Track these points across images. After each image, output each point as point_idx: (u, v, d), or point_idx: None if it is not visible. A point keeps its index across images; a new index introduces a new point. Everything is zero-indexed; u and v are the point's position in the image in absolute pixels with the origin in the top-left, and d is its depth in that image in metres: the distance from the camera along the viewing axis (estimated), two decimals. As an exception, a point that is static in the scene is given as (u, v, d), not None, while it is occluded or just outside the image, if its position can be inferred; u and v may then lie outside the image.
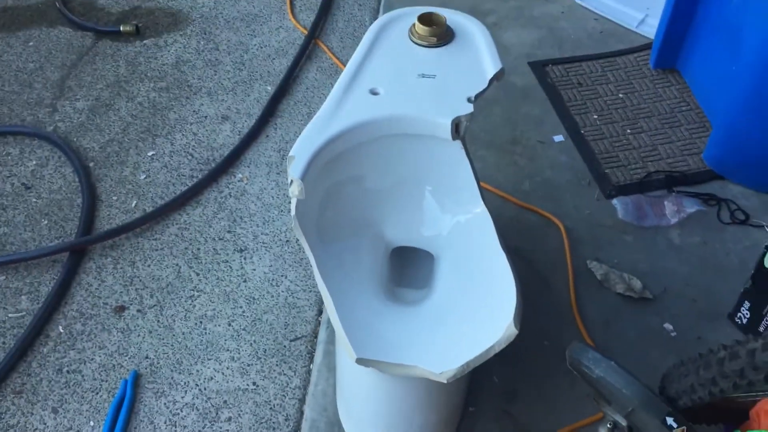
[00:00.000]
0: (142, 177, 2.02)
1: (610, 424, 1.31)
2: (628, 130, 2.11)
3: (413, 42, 1.41)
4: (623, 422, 1.28)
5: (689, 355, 1.23)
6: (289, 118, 2.17)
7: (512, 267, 1.24)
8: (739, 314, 1.65)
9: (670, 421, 1.17)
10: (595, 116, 2.15)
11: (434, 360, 1.18)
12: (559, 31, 2.44)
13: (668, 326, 1.68)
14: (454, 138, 1.28)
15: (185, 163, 2.06)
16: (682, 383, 1.20)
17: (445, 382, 1.16)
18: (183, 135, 2.13)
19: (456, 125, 1.27)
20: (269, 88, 2.26)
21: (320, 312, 1.72)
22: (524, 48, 2.37)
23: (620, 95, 2.22)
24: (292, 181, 1.19)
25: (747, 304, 1.62)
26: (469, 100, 1.30)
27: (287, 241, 1.85)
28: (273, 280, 1.78)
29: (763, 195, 1.93)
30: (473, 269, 1.33)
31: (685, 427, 1.17)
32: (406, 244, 1.43)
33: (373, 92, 1.31)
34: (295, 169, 1.19)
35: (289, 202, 1.93)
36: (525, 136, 2.09)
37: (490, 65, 1.35)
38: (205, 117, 2.19)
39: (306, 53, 2.37)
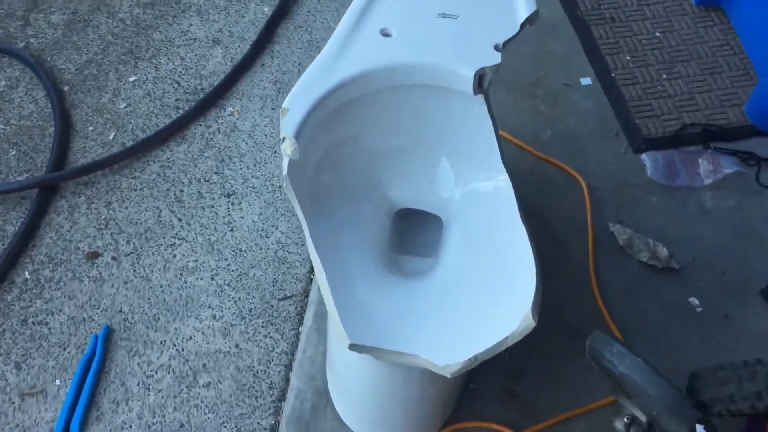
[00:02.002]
0: (122, 105, 1.82)
1: (627, 418, 1.18)
2: (664, 75, 1.89)
3: (431, -29, 1.19)
4: (643, 418, 1.15)
5: (730, 361, 1.08)
6: (288, 45, 1.95)
7: (533, 246, 1.07)
8: (774, 292, 1.50)
9: (699, 428, 1.04)
10: (628, 57, 1.93)
11: (438, 348, 1.03)
12: (592, -44, 2.18)
13: (694, 301, 1.53)
14: (476, 92, 1.09)
15: (170, 92, 1.85)
16: (719, 391, 1.05)
17: (449, 377, 1.01)
18: (169, 59, 1.92)
19: (479, 77, 1.08)
20: (266, 9, 2.03)
21: (313, 269, 1.56)
22: (552, -26, 2.12)
23: (657, 34, 1.99)
24: (284, 138, 1.01)
25: (785, 283, 1.47)
26: (496, 48, 1.10)
27: (280, 187, 1.68)
28: (262, 230, 1.61)
29: (809, 157, 1.75)
30: (487, 243, 1.16)
31: (717, 438, 1.03)
32: (412, 206, 1.25)
33: (385, 33, 1.11)
34: (288, 125, 1.00)
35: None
36: (549, 78, 1.88)
37: (522, 6, 1.15)
38: (194, 39, 1.97)
39: (309, -30, 2.13)
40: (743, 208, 1.66)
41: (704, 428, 1.02)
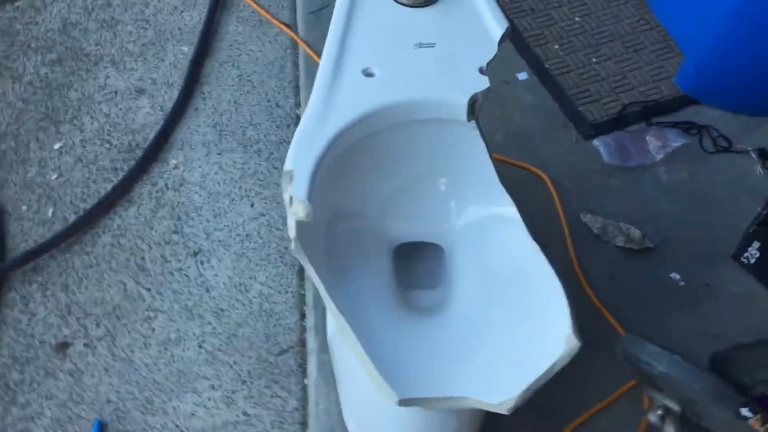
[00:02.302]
0: (54, 177, 1.68)
1: (660, 410, 1.20)
2: (594, 59, 1.94)
3: (397, 1, 1.15)
4: (676, 407, 1.17)
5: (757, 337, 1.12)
6: (218, 84, 1.86)
7: (552, 264, 1.07)
8: (746, 254, 1.56)
9: (744, 411, 1.07)
10: (557, 46, 1.96)
11: (484, 386, 1.01)
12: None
13: (675, 275, 1.58)
14: (469, 119, 1.07)
15: (103, 153, 1.72)
16: (760, 373, 1.09)
17: (506, 413, 0.99)
18: (93, 118, 1.79)
19: (472, 103, 1.06)
20: (186, 48, 1.93)
21: (303, 316, 1.50)
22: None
23: (577, 19, 2.03)
24: (292, 200, 0.95)
25: (756, 244, 1.53)
26: (481, 71, 1.08)
27: (247, 235, 1.60)
28: (241, 285, 1.53)
29: (742, 117, 1.83)
30: (501, 269, 1.14)
31: (760, 415, 1.07)
32: (414, 239, 1.22)
33: (367, 73, 1.06)
34: (298, 188, 0.94)
35: (243, 193, 1.67)
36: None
37: (494, 24, 1.13)
38: (115, 92, 1.84)
39: (219, 1, 2.03)
40: (695, 177, 1.73)
41: (749, 410, 1.05)
